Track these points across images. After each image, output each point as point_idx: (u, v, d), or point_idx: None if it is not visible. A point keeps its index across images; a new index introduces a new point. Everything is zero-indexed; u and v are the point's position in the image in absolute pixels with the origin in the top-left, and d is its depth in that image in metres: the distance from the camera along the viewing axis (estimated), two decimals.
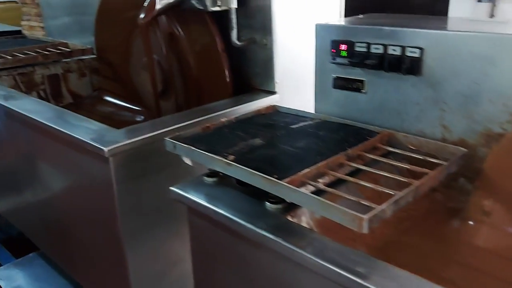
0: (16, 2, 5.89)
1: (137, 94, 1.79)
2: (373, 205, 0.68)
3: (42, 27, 3.21)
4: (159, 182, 1.14)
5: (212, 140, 1.01)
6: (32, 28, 3.29)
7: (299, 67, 1.40)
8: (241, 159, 0.88)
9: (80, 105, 1.91)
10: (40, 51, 1.83)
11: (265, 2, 1.28)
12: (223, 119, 1.12)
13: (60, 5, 2.21)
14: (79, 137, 1.06)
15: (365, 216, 0.64)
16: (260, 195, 0.86)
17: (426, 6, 2.96)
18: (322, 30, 1.12)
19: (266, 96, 1.36)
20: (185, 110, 1.55)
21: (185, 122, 1.14)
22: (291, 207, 0.83)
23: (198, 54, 1.45)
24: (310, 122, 1.10)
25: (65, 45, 1.94)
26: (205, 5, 1.26)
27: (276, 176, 0.79)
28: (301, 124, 1.08)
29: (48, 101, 1.87)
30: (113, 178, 1.03)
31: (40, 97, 1.85)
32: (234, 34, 1.30)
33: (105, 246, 1.19)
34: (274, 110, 1.22)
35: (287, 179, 0.77)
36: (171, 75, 1.54)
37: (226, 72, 1.37)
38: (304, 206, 0.76)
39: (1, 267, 2.05)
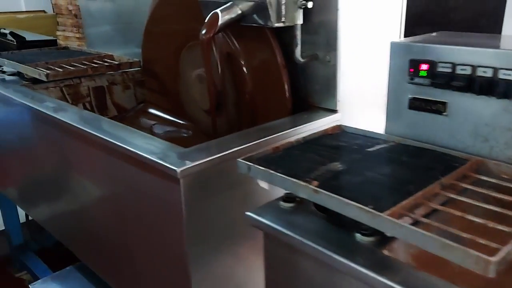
0: (44, 12, 5.99)
1: (184, 108, 1.75)
2: (493, 245, 0.62)
3: (78, 38, 3.23)
4: (226, 203, 1.10)
5: (286, 162, 0.97)
6: (67, 39, 3.31)
7: (362, 85, 1.36)
8: (326, 186, 0.83)
9: (126, 118, 1.88)
10: (87, 63, 1.81)
11: (330, 17, 1.24)
12: (292, 140, 1.08)
13: (103, 15, 2.20)
14: (147, 156, 1.02)
15: (493, 259, 0.59)
16: (346, 224, 0.81)
17: (466, 22, 2.89)
18: (398, 48, 1.07)
19: (327, 115, 1.31)
20: (238, 128, 1.52)
21: (251, 141, 1.10)
22: (386, 240, 0.78)
23: (255, 70, 1.41)
24: (385, 145, 1.04)
25: (111, 57, 1.92)
26: (269, 22, 1.22)
27: (372, 207, 0.74)
28: (377, 147, 1.03)
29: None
30: (182, 200, 0.99)
31: (86, 110, 1.83)
32: (298, 51, 1.26)
33: (167, 268, 1.15)
34: (341, 130, 1.17)
35: (388, 212, 0.72)
36: (224, 90, 1.50)
37: (286, 89, 1.33)
38: (413, 242, 0.71)
39: (39, 280, 2.02)
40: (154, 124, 1.86)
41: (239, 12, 1.28)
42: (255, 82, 1.42)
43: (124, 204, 1.27)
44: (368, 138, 1.09)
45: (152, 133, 1.82)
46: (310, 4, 1.18)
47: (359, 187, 0.84)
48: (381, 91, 1.45)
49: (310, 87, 1.36)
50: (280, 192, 0.92)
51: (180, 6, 1.58)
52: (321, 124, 1.27)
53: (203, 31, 1.27)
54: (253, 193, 1.16)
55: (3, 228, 2.48)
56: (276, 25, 1.23)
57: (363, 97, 1.38)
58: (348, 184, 0.85)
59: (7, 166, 2.05)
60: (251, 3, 1.26)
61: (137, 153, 1.07)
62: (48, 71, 1.57)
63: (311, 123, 1.25)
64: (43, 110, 1.44)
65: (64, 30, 3.32)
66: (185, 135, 1.77)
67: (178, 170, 0.95)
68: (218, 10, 1.27)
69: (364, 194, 0.81)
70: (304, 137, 1.10)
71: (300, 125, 1.23)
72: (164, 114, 1.86)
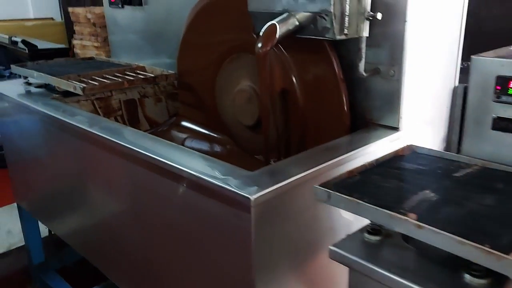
0: (52, 19, 5.93)
1: (222, 123, 1.67)
2: None
3: (96, 47, 3.15)
4: (293, 229, 1.01)
5: (369, 189, 0.88)
6: (85, 47, 3.23)
7: (421, 100, 1.27)
8: (427, 219, 0.75)
9: (159, 132, 1.80)
10: (120, 75, 1.73)
11: (397, 29, 1.15)
12: (365, 163, 0.99)
13: (130, 24, 2.13)
14: (212, 181, 0.94)
15: None
16: (445, 261, 0.73)
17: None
18: (481, 64, 0.99)
19: (389, 133, 1.22)
20: (286, 146, 1.44)
21: (319, 164, 1.01)
22: (501, 282, 0.69)
23: (308, 84, 1.32)
24: (470, 170, 0.96)
25: (143, 69, 1.84)
26: (331, 34, 1.14)
27: (489, 246, 0.66)
28: (463, 172, 0.95)
29: None
30: (252, 229, 0.91)
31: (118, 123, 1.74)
32: (361, 65, 1.17)
33: None
34: (412, 151, 1.09)
35: None
36: (272, 106, 1.41)
37: (345, 105, 1.25)
38: None
39: None
40: (186, 138, 1.78)
41: (297, 23, 1.20)
42: (308, 97, 1.34)
43: (172, 226, 1.18)
44: (447, 160, 1.01)
45: (184, 146, 1.74)
46: (379, 16, 1.10)
47: (465, 220, 0.76)
48: (441, 108, 1.38)
49: (369, 102, 1.27)
50: (348, 217, 0.83)
51: (223, 16, 1.51)
52: (384, 143, 1.18)
53: (260, 44, 1.18)
54: (320, 218, 1.07)
55: (23, 243, 2.39)
56: (339, 37, 1.15)
57: (421, 114, 1.30)
58: (451, 217, 0.76)
59: (31, 179, 1.96)
60: (309, 14, 1.18)
61: (198, 177, 0.98)
62: (84, 85, 1.49)
63: (375, 142, 1.16)
64: (83, 127, 1.35)
65: (81, 39, 3.23)
66: (221, 150, 1.69)
67: (252, 198, 0.86)
68: (275, 22, 1.18)
69: (474, 230, 0.72)
70: (377, 160, 1.02)
71: (364, 145, 1.14)
72: (198, 127, 1.78)
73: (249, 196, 0.87)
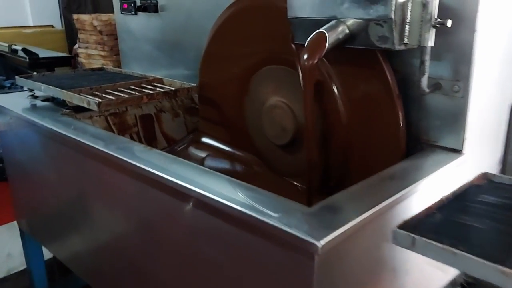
0: (52, 26, 5.78)
1: (249, 141, 1.52)
2: None
3: (103, 56, 3.00)
4: (356, 276, 0.85)
5: (458, 232, 0.73)
6: (90, 56, 3.07)
7: (487, 119, 1.13)
8: None
9: (177, 151, 1.64)
10: (136, 88, 1.57)
11: (464, 38, 1.01)
12: (442, 197, 0.84)
13: (144, 32, 1.98)
14: (267, 221, 0.78)
15: None
16: None
17: None
18: None
19: (453, 157, 1.07)
20: (324, 170, 1.28)
21: (384, 200, 0.86)
22: None
23: (355, 100, 1.18)
24: None
25: (160, 81, 1.69)
26: (389, 43, 1.00)
27: None
28: None
29: None
30: (314, 280, 0.75)
31: (134, 141, 1.59)
32: (424, 80, 1.02)
33: None
34: (488, 180, 0.94)
35: None
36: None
37: (401, 125, 1.10)
38: None
39: None
40: (207, 156, 1.62)
41: (347, 32, 1.05)
42: (354, 115, 1.19)
43: (196, 261, 1.03)
44: None
45: (204, 166, 1.58)
46: (449, 23, 0.95)
47: None
48: (499, 126, 1.23)
49: (426, 122, 1.12)
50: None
51: (253, 25, 1.36)
52: (450, 169, 1.03)
53: (305, 56, 1.03)
54: (382, 259, 0.92)
55: (25, 267, 2.22)
56: (398, 48, 1.00)
57: (482, 133, 1.15)
58: None
59: (34, 199, 1.80)
60: (361, 22, 1.03)
61: (245, 213, 0.82)
62: (99, 99, 1.33)
63: (440, 168, 1.01)
64: (99, 147, 1.20)
65: (87, 48, 3.08)
66: (247, 170, 1.53)
67: (320, 245, 0.71)
68: (323, 30, 1.04)
69: None
70: (453, 192, 0.87)
71: (429, 172, 0.99)
72: (221, 144, 1.62)
73: (315, 242, 0.71)
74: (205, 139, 1.66)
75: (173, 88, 1.56)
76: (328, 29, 1.04)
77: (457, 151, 1.09)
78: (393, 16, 0.97)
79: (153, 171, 1.03)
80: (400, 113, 1.09)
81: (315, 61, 1.02)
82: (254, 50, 1.39)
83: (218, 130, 1.63)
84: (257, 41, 1.37)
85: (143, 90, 1.56)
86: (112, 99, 1.36)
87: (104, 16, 2.83)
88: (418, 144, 1.15)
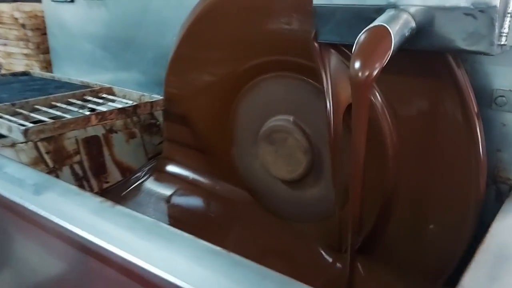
0: None
1: (234, 170, 1.14)
2: None
3: (26, 55, 2.46)
4: None
5: None
6: (10, 56, 2.52)
7: None
8: None
9: (136, 185, 1.22)
10: (77, 102, 1.13)
11: None
12: None
13: (83, 27, 1.52)
14: None
15: None
16: None
17: None
18: None
19: None
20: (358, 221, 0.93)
21: None
22: None
23: (408, 125, 0.83)
24: None
25: (110, 91, 1.26)
26: (485, 45, 0.66)
27: None
28: None
29: (88, 181, 1.17)
30: None
31: (76, 176, 1.15)
32: None
33: None
34: None
35: None
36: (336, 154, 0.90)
37: (481, 157, 0.77)
38: None
39: None
40: (175, 192, 1.22)
41: (413, 25, 0.71)
42: (405, 145, 0.84)
43: None
44: None
45: (172, 206, 1.18)
46: None
47: None
48: None
49: (510, 153, 0.81)
50: None
51: (247, 19, 0.98)
52: None
53: (358, 64, 0.66)
54: None
55: None
56: (496, 51, 0.67)
57: None
58: None
59: None
60: (429, 9, 0.69)
61: None
62: (25, 123, 0.89)
63: None
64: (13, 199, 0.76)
65: (5, 45, 2.52)
66: (234, 211, 1.14)
67: None
68: (383, 23, 0.68)
69: None
70: None
71: None
72: (194, 174, 1.23)
73: None
74: (172, 168, 1.26)
75: (130, 103, 1.14)
76: (388, 22, 0.69)
77: None
78: (497, 3, 0.64)
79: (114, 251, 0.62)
80: (480, 140, 0.76)
81: (375, 72, 0.66)
82: (246, 53, 1.01)
83: (190, 156, 1.23)
84: (250, 40, 0.99)
85: (88, 105, 1.13)
86: (45, 123, 0.92)
87: (27, 6, 2.29)
88: (493, 184, 0.83)
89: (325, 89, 0.85)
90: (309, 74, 0.92)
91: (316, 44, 0.84)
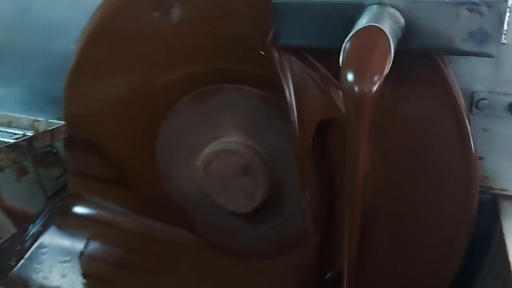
0: None
1: (167, 204, 0.93)
2: None
3: None
4: None
5: None
6: None
7: None
8: None
9: (38, 242, 0.95)
10: None
11: None
12: None
13: None
14: None
15: None
16: None
17: None
18: None
19: None
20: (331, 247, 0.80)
21: None
22: None
23: (389, 135, 0.72)
24: None
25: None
26: (491, 46, 0.56)
27: None
28: None
29: None
30: None
31: None
32: None
33: None
34: None
35: None
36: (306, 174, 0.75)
37: (472, 164, 0.68)
38: None
39: None
40: (90, 239, 0.97)
41: (402, 24, 0.58)
42: (386, 158, 0.73)
43: None
44: None
45: (87, 262, 0.94)
46: None
47: None
48: None
49: (495, 160, 0.74)
50: None
51: (176, 19, 0.78)
52: None
53: (351, 77, 0.51)
54: None
55: None
56: (496, 52, 0.58)
57: None
58: None
59: None
60: (427, 4, 0.58)
61: None
62: None
63: None
64: None
65: None
66: (171, 254, 0.94)
67: None
68: (375, 24, 0.54)
69: None
70: None
71: None
72: (115, 215, 0.99)
73: None
74: (82, 209, 1.01)
75: (21, 134, 0.86)
76: (378, 21, 0.55)
77: None
78: None
79: None
80: (472, 152, 0.67)
81: (376, 85, 0.52)
82: (174, 60, 0.81)
83: (106, 191, 0.99)
84: (175, 44, 0.79)
85: None
86: None
87: None
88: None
89: (288, 104, 0.69)
90: (264, 86, 0.75)
91: (274, 49, 0.68)
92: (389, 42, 0.53)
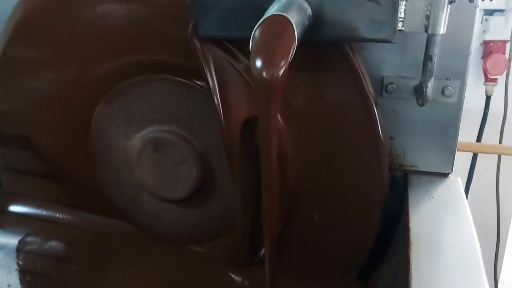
0: None
1: (101, 197, 0.94)
2: None
3: None
4: None
5: None
6: None
7: None
8: None
9: None
10: None
11: (462, 20, 0.71)
12: None
13: None
14: None
15: None
16: None
17: None
18: None
19: (444, 182, 0.79)
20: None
21: None
22: None
23: (305, 121, 0.77)
24: None
25: None
26: (387, 31, 0.62)
27: None
28: None
29: None
30: None
31: None
32: (429, 86, 0.68)
33: None
34: None
35: None
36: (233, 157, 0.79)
37: (382, 142, 0.74)
38: None
39: None
40: (27, 237, 0.97)
41: (310, 14, 0.63)
42: (305, 141, 0.78)
43: None
44: None
45: (25, 258, 0.94)
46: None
47: None
48: None
49: (404, 139, 0.80)
50: None
51: (95, 4, 0.79)
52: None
53: (259, 63, 0.55)
54: None
55: None
56: (396, 38, 0.63)
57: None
58: None
59: None
60: None
61: None
62: None
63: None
64: None
65: None
66: (109, 246, 0.95)
67: None
68: (282, 13, 0.58)
69: None
70: None
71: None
72: (51, 210, 0.99)
73: None
74: (17, 207, 1.00)
75: None
76: (284, 10, 0.59)
77: (444, 175, 0.80)
78: None
79: None
80: (379, 126, 0.73)
81: (282, 70, 0.56)
82: (99, 53, 0.82)
83: (41, 186, 0.99)
84: (103, 38, 0.80)
85: None
86: None
87: None
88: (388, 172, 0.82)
89: (212, 91, 0.72)
90: (190, 74, 0.78)
91: (196, 40, 0.71)
92: (294, 30, 0.57)
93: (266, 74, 0.56)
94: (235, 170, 0.76)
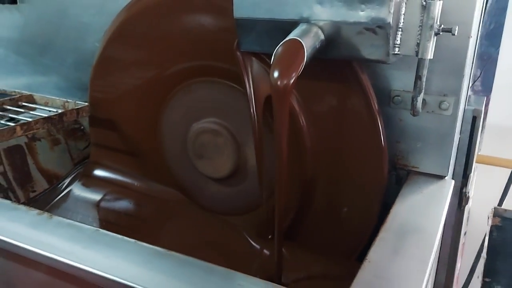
0: None
1: (165, 171, 1.19)
2: None
3: None
4: None
5: None
6: None
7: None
8: None
9: (64, 193, 1.22)
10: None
11: (457, 45, 0.85)
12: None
13: None
14: None
15: None
16: None
17: None
18: None
19: (443, 185, 0.92)
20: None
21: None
22: None
23: (321, 122, 0.95)
24: None
25: (31, 99, 1.24)
26: (382, 54, 0.78)
27: None
28: None
29: (14, 192, 1.15)
30: None
31: (0, 188, 1.13)
32: (419, 100, 0.83)
33: None
34: (502, 216, 0.80)
35: None
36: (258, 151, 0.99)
37: (382, 146, 0.90)
38: None
39: None
40: (104, 196, 1.24)
41: (322, 38, 0.81)
42: (320, 139, 0.96)
43: None
44: None
45: (102, 210, 1.21)
46: (455, 30, 0.77)
47: None
48: None
49: (408, 144, 0.95)
50: None
51: (173, 23, 1.03)
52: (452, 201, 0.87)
53: (277, 73, 0.75)
54: None
55: None
56: (392, 60, 0.80)
57: None
58: None
59: None
60: (336, 23, 0.80)
61: None
62: None
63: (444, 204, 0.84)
64: None
65: None
66: (167, 210, 1.20)
67: None
68: (296, 37, 0.77)
69: None
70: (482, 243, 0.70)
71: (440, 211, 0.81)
72: (123, 177, 1.25)
73: None
74: (100, 172, 1.27)
75: (54, 110, 1.14)
76: (301, 35, 0.78)
77: (440, 177, 0.94)
78: (390, 20, 0.76)
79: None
80: (381, 133, 0.89)
81: (292, 80, 0.75)
82: (173, 57, 1.06)
83: (119, 159, 1.25)
84: (177, 45, 1.04)
85: (8, 114, 1.11)
86: None
87: None
88: (393, 171, 0.97)
89: (248, 93, 0.93)
90: (234, 79, 0.99)
91: (238, 53, 0.92)
92: (304, 51, 0.76)
93: (280, 83, 0.75)
94: (260, 155, 0.95)
